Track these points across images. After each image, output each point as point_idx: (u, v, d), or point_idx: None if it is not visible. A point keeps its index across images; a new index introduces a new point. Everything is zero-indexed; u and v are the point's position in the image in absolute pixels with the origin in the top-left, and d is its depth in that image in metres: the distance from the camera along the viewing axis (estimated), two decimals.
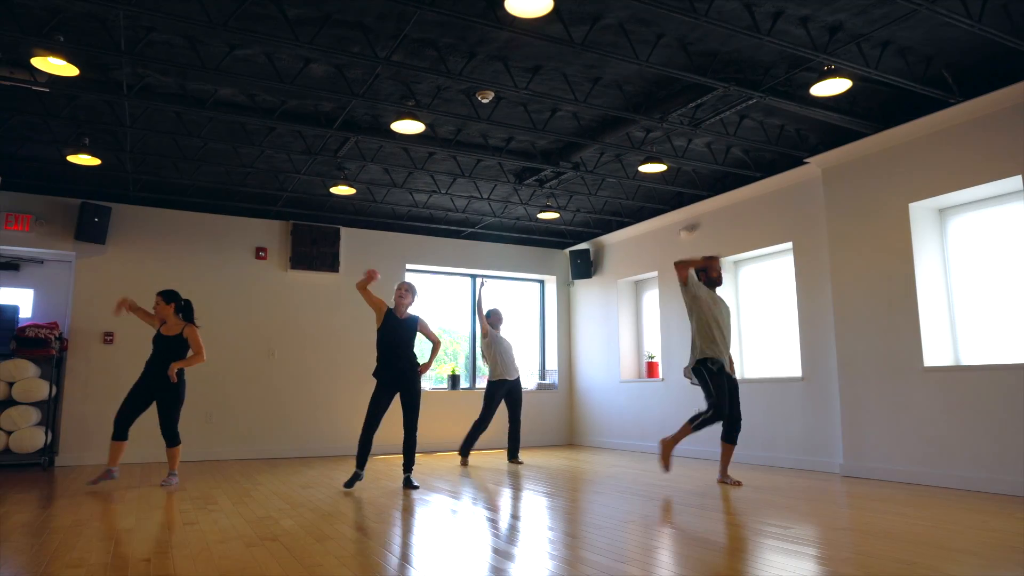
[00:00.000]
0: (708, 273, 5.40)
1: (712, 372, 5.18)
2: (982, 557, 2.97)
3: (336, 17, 4.16)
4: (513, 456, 7.16)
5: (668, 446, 5.29)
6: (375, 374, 5.26)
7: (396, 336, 5.22)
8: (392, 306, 5.33)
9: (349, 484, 5.14)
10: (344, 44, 4.45)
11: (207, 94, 5.20)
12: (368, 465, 6.88)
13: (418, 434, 5.41)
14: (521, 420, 7.25)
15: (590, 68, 4.87)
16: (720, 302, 5.38)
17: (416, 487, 5.18)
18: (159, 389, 5.28)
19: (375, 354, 5.35)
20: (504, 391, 7.17)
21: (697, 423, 5.13)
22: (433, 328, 5.50)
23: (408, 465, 5.30)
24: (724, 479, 5.37)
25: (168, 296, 5.49)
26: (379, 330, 5.26)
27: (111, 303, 7.24)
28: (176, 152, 6.31)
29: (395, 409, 5.73)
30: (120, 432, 5.26)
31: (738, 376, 7.35)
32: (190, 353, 5.42)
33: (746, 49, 4.59)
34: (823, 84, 4.63)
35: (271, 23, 4.18)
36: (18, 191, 7.14)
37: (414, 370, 5.25)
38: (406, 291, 5.31)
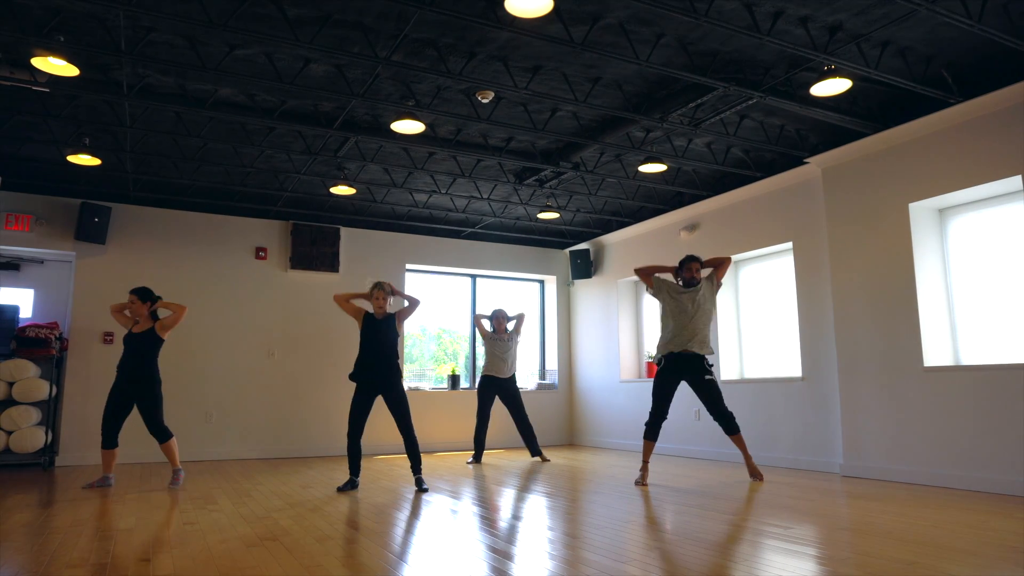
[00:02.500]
0: (682, 274, 5.56)
1: (659, 368, 5.51)
2: (982, 557, 2.97)
3: (336, 17, 4.16)
4: (535, 453, 7.27)
5: (644, 469, 5.42)
6: (352, 377, 5.21)
7: (378, 338, 5.22)
8: (371, 310, 5.32)
9: (343, 488, 5.10)
10: (344, 44, 4.45)
11: (207, 94, 5.20)
12: (367, 466, 6.88)
13: (417, 433, 5.35)
14: (527, 418, 7.29)
15: (590, 68, 4.87)
16: (687, 295, 5.47)
17: (426, 489, 5.08)
18: (135, 392, 5.26)
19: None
20: (494, 389, 7.23)
21: (645, 431, 5.44)
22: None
23: (416, 467, 5.22)
24: (751, 475, 5.52)
25: (143, 295, 5.44)
26: (362, 333, 5.27)
27: (111, 303, 7.25)
28: (176, 152, 6.31)
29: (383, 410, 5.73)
30: (109, 440, 5.27)
31: (738, 376, 7.36)
32: (171, 315, 5.43)
33: (746, 49, 4.59)
34: (823, 84, 4.63)
35: (271, 23, 4.18)
36: (18, 191, 7.14)
37: (394, 372, 5.23)
38: (383, 294, 5.29)
